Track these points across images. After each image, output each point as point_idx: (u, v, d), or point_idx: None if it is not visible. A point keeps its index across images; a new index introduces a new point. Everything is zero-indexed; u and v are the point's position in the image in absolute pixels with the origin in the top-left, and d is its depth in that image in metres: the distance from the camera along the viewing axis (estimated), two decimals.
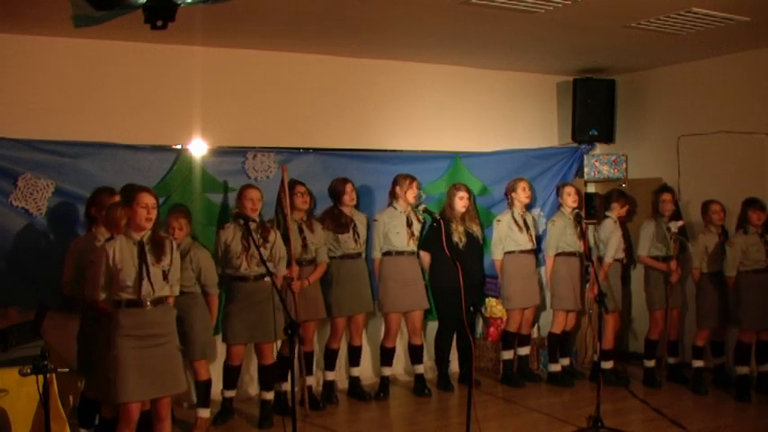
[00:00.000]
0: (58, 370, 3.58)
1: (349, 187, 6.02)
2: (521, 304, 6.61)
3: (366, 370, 6.48)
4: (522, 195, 6.58)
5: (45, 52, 5.53)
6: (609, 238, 6.46)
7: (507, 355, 6.64)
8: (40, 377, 3.42)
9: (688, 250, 6.34)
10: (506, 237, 6.56)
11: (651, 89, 7.46)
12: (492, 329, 6.84)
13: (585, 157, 7.40)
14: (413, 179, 6.18)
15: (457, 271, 5.21)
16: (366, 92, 6.77)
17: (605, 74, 7.47)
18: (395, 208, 6.18)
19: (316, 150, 6.40)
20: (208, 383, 5.31)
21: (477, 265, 6.50)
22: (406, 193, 6.13)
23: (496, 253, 6.63)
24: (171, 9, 3.10)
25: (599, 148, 7.62)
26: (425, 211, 6.05)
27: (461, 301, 5.36)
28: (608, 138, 7.51)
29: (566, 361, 6.75)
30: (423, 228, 6.29)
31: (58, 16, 4.77)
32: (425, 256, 6.31)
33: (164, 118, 5.87)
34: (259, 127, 6.26)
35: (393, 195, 6.21)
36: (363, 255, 6.16)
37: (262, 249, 5.03)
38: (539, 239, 6.81)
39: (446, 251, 5.62)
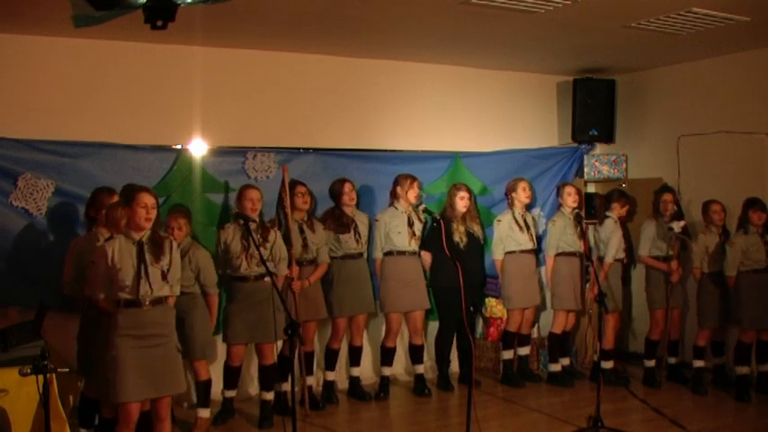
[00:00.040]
0: (58, 370, 3.58)
1: (348, 187, 6.02)
2: (521, 304, 6.61)
3: (366, 370, 6.48)
4: (522, 195, 6.58)
5: (45, 52, 5.53)
6: (609, 238, 6.46)
7: (507, 354, 6.64)
8: (40, 377, 3.42)
9: (690, 250, 6.34)
10: (507, 237, 6.56)
11: (651, 89, 7.46)
12: (492, 329, 6.84)
13: (585, 157, 7.40)
14: (414, 179, 6.18)
15: (457, 271, 5.21)
16: (366, 92, 6.77)
17: (605, 74, 7.47)
18: (396, 208, 6.18)
19: (316, 150, 6.40)
20: (208, 383, 5.31)
21: (478, 265, 6.50)
22: (407, 192, 6.13)
23: (497, 253, 6.62)
24: (171, 9, 3.10)
25: (599, 148, 7.62)
26: (425, 210, 6.05)
27: (461, 301, 5.36)
28: (608, 138, 7.51)
29: (566, 361, 6.75)
30: (424, 228, 6.29)
31: (58, 16, 4.77)
32: (426, 256, 6.30)
33: (164, 118, 5.87)
34: (259, 127, 6.26)
35: (394, 195, 6.21)
36: (365, 255, 6.16)
37: (261, 249, 5.02)
38: (539, 239, 6.82)
39: (446, 251, 5.62)
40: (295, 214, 5.70)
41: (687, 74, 7.09)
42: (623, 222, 6.68)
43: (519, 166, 7.04)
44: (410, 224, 6.14)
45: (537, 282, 6.79)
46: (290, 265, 5.52)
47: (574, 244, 6.52)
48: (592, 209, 7.22)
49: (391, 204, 6.22)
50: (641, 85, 7.53)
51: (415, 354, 6.34)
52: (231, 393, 5.54)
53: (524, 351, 6.76)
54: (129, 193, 4.25)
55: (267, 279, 5.08)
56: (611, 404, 5.77)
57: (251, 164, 6.08)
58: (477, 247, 6.47)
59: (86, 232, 4.98)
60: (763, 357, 6.08)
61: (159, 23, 3.12)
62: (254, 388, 5.98)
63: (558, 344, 6.67)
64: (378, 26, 5.58)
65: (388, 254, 6.15)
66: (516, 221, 6.55)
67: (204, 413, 5.30)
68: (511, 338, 6.65)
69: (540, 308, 7.00)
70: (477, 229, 6.44)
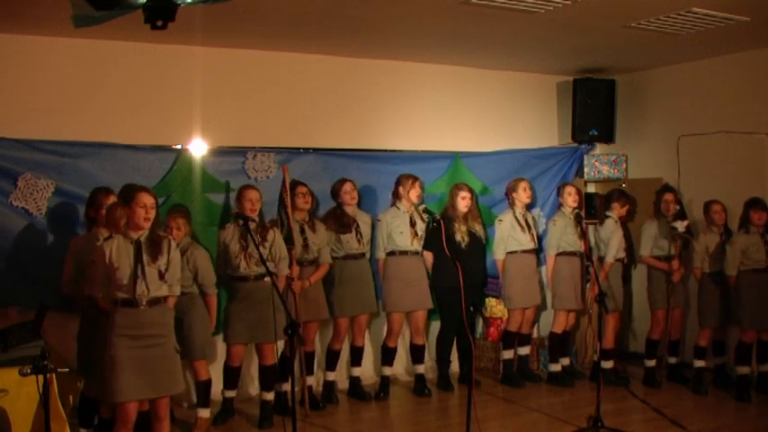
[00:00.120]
0: (58, 370, 3.58)
1: (348, 186, 6.01)
2: (522, 304, 6.61)
3: (367, 370, 6.48)
4: (522, 195, 6.58)
5: (45, 52, 5.53)
6: (610, 237, 6.47)
7: (507, 354, 6.64)
8: (40, 377, 3.42)
9: (692, 249, 6.34)
10: (509, 236, 6.56)
11: (651, 89, 7.45)
12: (492, 329, 6.84)
13: (585, 157, 7.40)
14: (416, 179, 6.17)
15: (457, 271, 5.21)
16: (366, 92, 6.77)
17: (605, 74, 7.47)
18: (398, 208, 6.18)
19: (316, 150, 6.40)
20: (208, 383, 5.31)
21: (479, 265, 6.50)
22: (409, 192, 6.13)
23: (498, 252, 6.62)
24: (171, 9, 3.10)
25: (599, 148, 7.62)
26: (425, 210, 6.05)
27: (461, 300, 5.36)
28: (608, 138, 7.51)
29: (566, 361, 6.75)
30: (427, 227, 6.28)
31: (57, 16, 4.77)
32: (428, 256, 6.30)
33: (164, 118, 5.87)
34: (259, 127, 6.26)
35: (396, 195, 6.20)
36: (368, 255, 6.16)
37: (260, 249, 5.02)
38: (539, 239, 6.82)
39: (446, 251, 5.62)
40: (296, 214, 5.70)
41: (687, 74, 7.09)
42: (623, 222, 6.68)
43: (519, 166, 7.04)
44: (412, 224, 6.13)
45: (537, 282, 6.79)
46: (290, 265, 5.52)
47: (574, 244, 6.52)
48: (592, 209, 7.22)
49: (393, 204, 6.22)
50: (641, 85, 7.53)
51: (416, 354, 6.34)
52: (231, 393, 5.54)
53: (524, 351, 6.77)
54: (129, 193, 4.26)
55: (267, 279, 5.08)
56: (612, 404, 5.77)
57: (251, 164, 6.08)
58: (479, 246, 6.47)
59: (86, 232, 4.98)
60: (764, 357, 6.08)
61: (159, 23, 3.12)
62: (254, 388, 5.98)
63: (559, 344, 6.67)
64: (378, 26, 5.58)
65: (391, 254, 6.15)
66: (518, 221, 6.55)
67: (204, 413, 5.29)
68: (511, 338, 6.65)
69: (541, 308, 7.00)
70: (479, 228, 6.44)
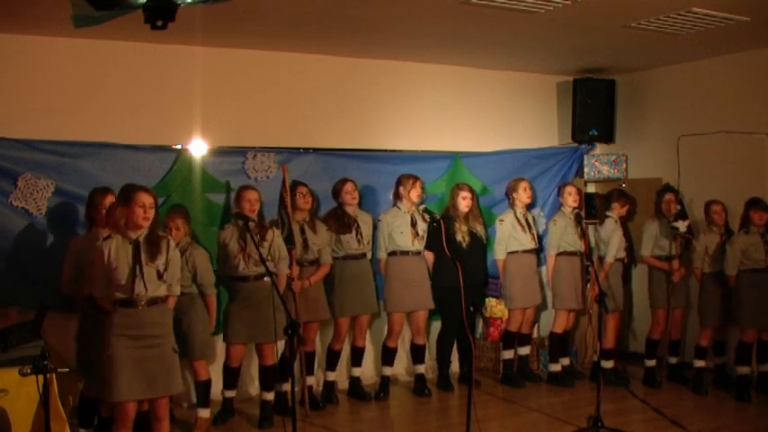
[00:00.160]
0: (58, 370, 3.58)
1: (349, 186, 6.01)
2: (523, 304, 6.61)
3: (367, 370, 6.48)
4: (523, 195, 6.58)
5: (45, 52, 5.52)
6: (610, 237, 6.47)
7: (508, 354, 6.64)
8: (40, 377, 3.42)
9: (692, 249, 6.34)
10: (510, 236, 6.56)
11: (651, 89, 7.45)
12: (492, 329, 6.84)
13: (585, 157, 7.40)
14: (416, 179, 6.17)
15: (457, 271, 5.21)
16: (366, 92, 6.77)
17: (605, 74, 7.47)
18: (399, 208, 6.17)
19: (316, 150, 6.40)
20: (207, 383, 5.31)
21: (480, 265, 6.50)
22: (409, 192, 6.13)
23: (499, 252, 6.62)
24: (171, 9, 3.10)
25: (599, 148, 7.62)
26: (425, 210, 6.05)
27: (462, 300, 5.36)
28: (608, 138, 7.51)
29: (566, 361, 6.75)
30: (428, 227, 6.28)
31: (57, 16, 4.77)
32: (429, 256, 6.30)
33: (164, 118, 5.87)
34: (259, 127, 6.26)
35: (397, 195, 6.20)
36: (368, 255, 6.15)
37: (259, 249, 5.02)
38: (540, 239, 6.82)
39: (446, 251, 5.62)
40: (296, 214, 5.70)
41: (687, 74, 7.09)
42: (623, 222, 6.68)
43: (519, 166, 7.04)
44: (413, 224, 6.13)
45: (538, 281, 6.79)
46: (290, 266, 5.52)
47: (575, 243, 6.52)
48: (592, 209, 7.21)
49: (394, 204, 6.22)
50: (641, 85, 7.53)
51: (417, 354, 6.34)
52: (231, 393, 5.54)
53: (524, 351, 6.77)
54: (128, 193, 4.24)
55: (267, 279, 5.08)
56: (612, 404, 5.77)
57: (251, 164, 6.08)
58: (480, 246, 6.47)
59: (86, 232, 4.98)
60: (764, 357, 6.08)
61: (159, 23, 3.12)
62: (254, 388, 5.98)
63: (559, 344, 6.67)
64: (378, 26, 5.58)
65: (392, 254, 6.14)
66: (519, 221, 6.55)
67: (204, 413, 5.29)
68: (511, 338, 6.65)
69: (541, 307, 7.00)
70: (480, 228, 6.44)
